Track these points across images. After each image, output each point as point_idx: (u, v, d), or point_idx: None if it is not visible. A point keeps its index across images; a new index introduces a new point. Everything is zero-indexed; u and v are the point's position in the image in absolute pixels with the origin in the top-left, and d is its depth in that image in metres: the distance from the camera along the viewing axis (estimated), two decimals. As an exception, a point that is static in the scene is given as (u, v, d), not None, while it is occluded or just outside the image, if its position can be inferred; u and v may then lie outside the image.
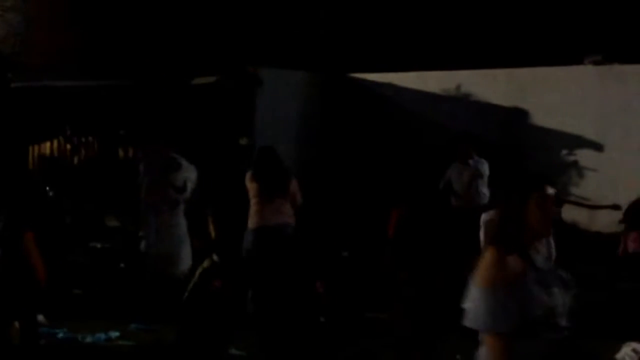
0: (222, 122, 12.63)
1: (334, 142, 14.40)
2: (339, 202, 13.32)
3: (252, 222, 9.06)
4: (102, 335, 8.88)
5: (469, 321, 3.82)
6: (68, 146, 13.12)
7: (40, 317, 8.56)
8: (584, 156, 13.74)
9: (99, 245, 11.09)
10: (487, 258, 3.83)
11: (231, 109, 12.77)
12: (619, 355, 7.62)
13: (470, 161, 11.17)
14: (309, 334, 7.68)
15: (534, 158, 13.11)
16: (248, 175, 9.27)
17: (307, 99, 14.43)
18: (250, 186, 9.20)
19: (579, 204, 13.43)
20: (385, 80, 14.83)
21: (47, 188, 10.87)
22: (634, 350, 7.55)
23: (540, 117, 14.03)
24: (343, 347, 8.23)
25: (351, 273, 10.58)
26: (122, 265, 10.73)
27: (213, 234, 8.52)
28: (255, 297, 8.48)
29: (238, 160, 11.97)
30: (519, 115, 14.14)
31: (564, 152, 13.82)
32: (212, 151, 12.14)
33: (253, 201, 9.12)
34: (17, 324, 7.52)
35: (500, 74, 14.36)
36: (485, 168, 11.15)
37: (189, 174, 10.02)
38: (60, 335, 8.84)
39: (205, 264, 8.06)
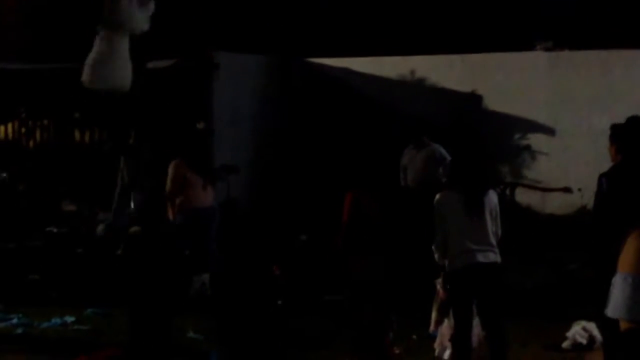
0: (179, 106, 12.61)
1: (290, 126, 14.45)
2: (297, 186, 13.40)
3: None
4: (58, 320, 8.86)
5: (610, 310, 3.69)
6: (23, 129, 13.01)
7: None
8: (536, 140, 13.97)
9: (55, 230, 11.03)
10: (633, 243, 3.68)
11: (188, 93, 12.75)
12: (569, 333, 7.80)
13: (424, 147, 11.29)
14: (266, 317, 7.76)
15: (488, 142, 13.28)
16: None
17: (264, 83, 14.46)
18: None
19: (532, 187, 13.67)
20: (342, 65, 14.91)
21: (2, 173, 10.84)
22: (584, 329, 7.73)
23: (494, 102, 14.23)
24: (301, 330, 8.31)
25: (309, 256, 10.69)
26: (78, 250, 10.69)
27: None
28: (213, 281, 8.54)
29: (195, 144, 11.96)
30: (472, 100, 14.33)
31: (517, 136, 14.05)
32: (168, 135, 12.11)
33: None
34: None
35: (455, 59, 14.52)
36: (439, 151, 11.26)
37: None
38: (15, 320, 8.80)
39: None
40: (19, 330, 8.63)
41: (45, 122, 13.02)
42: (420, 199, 10.62)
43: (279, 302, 8.85)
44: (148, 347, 7.62)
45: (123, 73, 7.84)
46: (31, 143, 12.98)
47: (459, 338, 6.66)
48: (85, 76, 7.61)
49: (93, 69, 7.51)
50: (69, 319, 8.86)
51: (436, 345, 7.27)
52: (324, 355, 7.95)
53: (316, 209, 12.21)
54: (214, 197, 9.59)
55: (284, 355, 7.76)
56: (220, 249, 9.14)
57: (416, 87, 14.53)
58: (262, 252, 9.18)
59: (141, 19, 8.74)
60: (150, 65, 12.57)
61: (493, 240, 6.56)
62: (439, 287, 6.87)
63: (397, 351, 7.54)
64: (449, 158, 11.24)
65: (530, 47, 14.31)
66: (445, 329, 6.99)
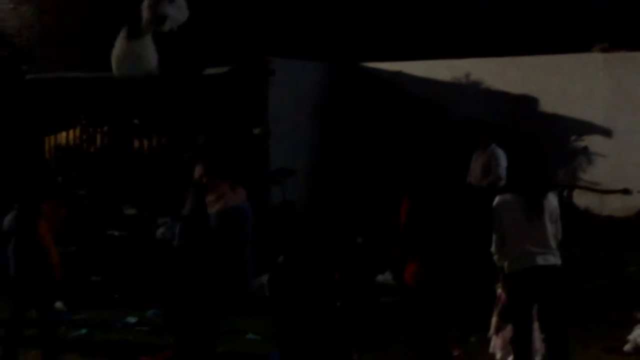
0: (235, 112, 12.75)
1: (346, 131, 14.52)
2: (352, 189, 13.46)
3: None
4: (120, 322, 9.04)
5: None
6: (84, 136, 13.26)
7: (59, 304, 8.74)
8: (593, 142, 13.86)
9: (116, 233, 11.24)
10: None
11: (244, 99, 12.89)
12: (631, 336, 7.75)
13: (488, 148, 11.45)
14: (325, 319, 7.81)
15: (544, 145, 13.21)
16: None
17: (319, 88, 14.56)
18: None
19: (590, 188, 13.56)
20: (396, 69, 14.93)
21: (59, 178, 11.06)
22: (646, 331, 7.68)
23: (549, 104, 14.14)
24: (358, 332, 8.37)
25: (365, 258, 10.75)
26: (139, 252, 10.87)
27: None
28: (271, 282, 8.60)
29: (252, 149, 12.14)
30: (528, 102, 14.26)
31: (573, 138, 13.95)
32: (225, 141, 12.27)
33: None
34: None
35: (509, 61, 14.46)
36: (500, 154, 11.37)
37: None
38: (79, 321, 9.00)
39: None
40: (83, 331, 8.84)
41: (105, 128, 13.25)
42: (480, 201, 10.69)
43: (338, 304, 8.91)
44: (194, 350, 7.76)
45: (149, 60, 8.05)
46: (92, 149, 13.22)
47: (519, 342, 6.66)
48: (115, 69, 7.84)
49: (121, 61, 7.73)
50: (131, 320, 9.04)
51: (491, 349, 7.28)
52: (381, 358, 8.01)
53: (371, 211, 12.27)
54: (243, 198, 9.62)
55: (343, 357, 7.82)
56: (278, 250, 9.22)
57: (471, 90, 14.50)
58: (321, 254, 9.23)
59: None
60: (207, 72, 12.76)
61: (553, 243, 6.55)
62: (499, 291, 6.88)
63: (456, 353, 7.57)
64: (504, 161, 11.37)
65: (586, 48, 14.21)
66: (507, 332, 6.98)
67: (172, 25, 8.59)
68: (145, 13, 10.58)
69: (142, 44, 7.96)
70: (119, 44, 7.92)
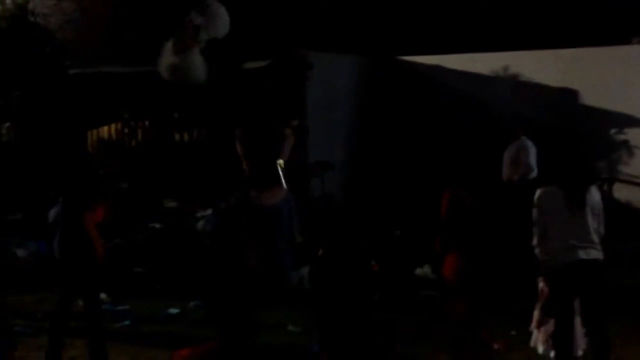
0: (274, 105, 12.83)
1: (384, 124, 14.55)
2: (391, 182, 13.50)
3: None
4: (163, 313, 9.16)
5: None
6: (125, 130, 13.43)
7: (103, 295, 8.89)
8: (633, 135, 13.78)
9: (158, 225, 11.38)
10: None
11: (282, 93, 12.96)
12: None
13: (517, 140, 11.58)
14: (366, 311, 7.88)
15: (584, 138, 13.16)
16: None
17: (357, 82, 14.60)
18: None
19: (632, 182, 13.47)
20: (433, 62, 14.93)
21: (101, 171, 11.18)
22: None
23: (589, 97, 14.07)
24: (397, 325, 8.41)
25: (404, 251, 10.79)
26: (180, 244, 11.01)
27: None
28: (312, 274, 8.68)
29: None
30: (567, 95, 14.19)
31: (613, 131, 13.87)
32: (263, 134, 12.34)
33: None
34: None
35: (549, 54, 14.39)
36: (529, 146, 11.49)
37: None
38: (123, 312, 9.12)
39: None
40: (127, 322, 8.97)
41: (146, 122, 13.41)
42: (518, 194, 10.73)
43: (376, 296, 8.97)
44: (236, 342, 7.82)
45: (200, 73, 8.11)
46: (133, 142, 13.38)
47: (560, 336, 6.66)
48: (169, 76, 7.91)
49: (171, 76, 7.81)
50: (173, 311, 9.15)
51: (533, 342, 7.28)
52: (421, 351, 8.04)
53: (410, 205, 12.31)
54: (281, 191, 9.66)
55: (384, 349, 7.87)
56: (318, 242, 9.29)
57: (509, 83, 14.46)
58: (361, 247, 9.29)
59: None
60: (246, 66, 12.86)
61: (595, 237, 6.54)
62: (541, 284, 6.88)
63: (496, 347, 7.58)
64: (533, 153, 11.48)
65: (625, 40, 14.12)
66: (549, 326, 6.98)
67: (210, 34, 8.63)
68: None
69: (190, 60, 8.00)
70: (167, 59, 7.97)
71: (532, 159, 11.68)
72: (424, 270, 10.51)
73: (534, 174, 11.62)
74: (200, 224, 11.06)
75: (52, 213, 8.07)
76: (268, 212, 9.35)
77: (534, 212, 6.72)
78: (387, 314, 8.70)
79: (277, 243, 9.53)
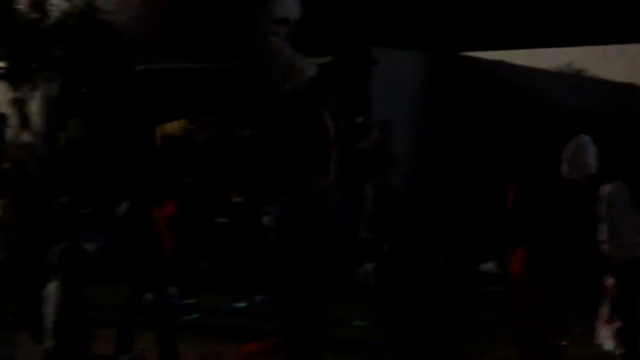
0: (338, 101, 12.89)
1: (447, 121, 14.51)
2: (455, 178, 13.46)
3: None
4: (229, 307, 9.28)
5: None
6: (191, 126, 13.58)
7: (172, 289, 9.04)
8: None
9: (224, 220, 11.52)
10: None
11: (346, 89, 13.02)
12: None
13: (575, 138, 11.54)
14: (432, 307, 7.91)
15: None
16: None
17: (420, 78, 14.56)
18: None
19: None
20: (497, 58, 14.84)
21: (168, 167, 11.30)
22: None
23: (655, 93, 13.92)
24: (463, 320, 8.42)
25: (469, 247, 10.79)
26: (246, 239, 11.14)
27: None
28: (378, 269, 8.72)
29: (354, 138, 12.27)
30: (632, 90, 14.03)
31: (680, 126, 13.67)
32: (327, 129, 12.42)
33: None
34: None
35: (613, 49, 14.24)
36: (587, 142, 11.44)
37: None
38: (191, 306, 9.26)
39: None
40: (194, 316, 9.12)
41: (212, 118, 13.54)
42: (578, 192, 10.67)
43: (442, 291, 8.97)
44: (304, 336, 7.89)
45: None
46: (199, 138, 13.53)
47: (627, 332, 6.63)
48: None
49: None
50: (240, 305, 9.26)
51: (599, 339, 7.25)
52: (486, 346, 8.05)
53: (474, 200, 12.28)
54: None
55: (450, 344, 7.89)
56: (383, 237, 9.35)
57: (574, 79, 14.34)
58: (425, 242, 9.31)
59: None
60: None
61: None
62: (609, 281, 6.85)
63: (563, 343, 7.55)
64: (591, 152, 11.41)
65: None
66: (617, 322, 6.95)
67: (283, 14, 8.83)
68: None
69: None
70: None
71: (590, 157, 11.60)
72: (488, 265, 10.49)
73: (593, 172, 11.55)
74: (266, 219, 11.19)
75: (121, 208, 8.24)
76: (324, 203, 9.46)
77: (602, 207, 6.70)
78: (453, 310, 8.73)
79: (336, 235, 9.64)
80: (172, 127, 13.57)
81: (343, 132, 12.31)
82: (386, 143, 11.84)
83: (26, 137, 13.33)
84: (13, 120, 13.92)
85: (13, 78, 14.00)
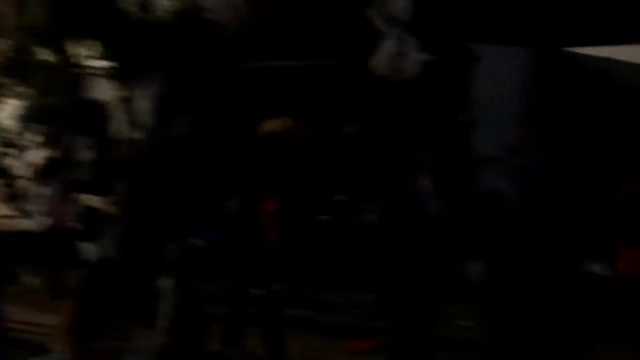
0: (440, 99, 12.84)
1: (552, 118, 14.27)
2: (560, 177, 13.24)
3: None
4: (337, 303, 9.33)
5: None
6: (291, 124, 13.66)
7: (279, 285, 9.15)
8: None
9: (327, 218, 11.58)
10: None
11: (448, 86, 12.95)
12: None
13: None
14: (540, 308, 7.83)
15: None
16: None
17: (523, 75, 14.35)
18: None
19: None
20: (604, 54, 14.50)
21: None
22: None
23: None
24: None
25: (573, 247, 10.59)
26: (351, 236, 11.18)
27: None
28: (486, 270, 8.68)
29: (457, 135, 12.21)
30: None
31: None
32: (430, 128, 12.40)
33: None
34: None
35: None
36: None
37: None
38: (297, 302, 9.34)
39: None
40: (301, 312, 9.20)
41: (314, 116, 13.60)
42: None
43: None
44: (412, 336, 7.87)
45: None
46: (302, 136, 13.59)
47: None
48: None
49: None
50: (346, 302, 9.31)
51: None
52: (598, 349, 7.90)
53: (580, 200, 12.05)
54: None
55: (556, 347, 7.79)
56: (489, 237, 9.27)
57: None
58: (530, 244, 9.19)
59: None
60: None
61: None
62: None
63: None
64: None
65: None
66: None
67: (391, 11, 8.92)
68: None
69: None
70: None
71: None
72: (594, 267, 10.28)
73: None
74: (368, 217, 11.21)
75: (228, 205, 8.39)
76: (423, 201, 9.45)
77: None
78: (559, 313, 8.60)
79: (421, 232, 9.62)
80: (276, 124, 13.67)
81: (443, 131, 12.29)
82: None
83: (134, 135, 13.63)
84: (122, 118, 14.29)
85: (120, 77, 14.33)
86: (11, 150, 15.03)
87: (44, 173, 11.28)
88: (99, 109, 15.04)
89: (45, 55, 14.63)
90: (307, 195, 12.24)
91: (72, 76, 14.59)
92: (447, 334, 8.43)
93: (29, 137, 14.95)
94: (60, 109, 14.52)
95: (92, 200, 12.10)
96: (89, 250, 10.18)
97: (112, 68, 14.37)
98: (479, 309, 8.45)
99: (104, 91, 14.72)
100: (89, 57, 14.63)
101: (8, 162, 14.92)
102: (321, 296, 9.83)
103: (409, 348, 7.79)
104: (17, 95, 15.06)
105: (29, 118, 14.97)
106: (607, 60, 14.41)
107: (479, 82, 13.25)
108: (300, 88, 13.52)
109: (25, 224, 11.57)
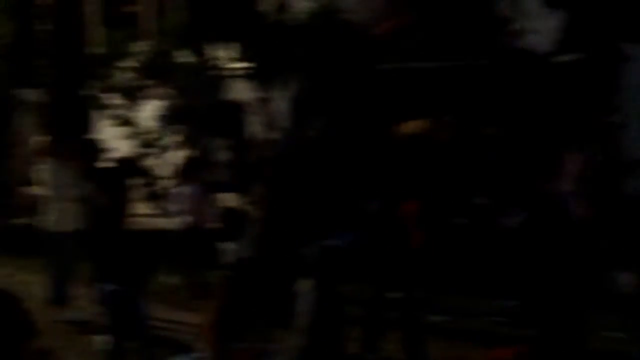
0: (587, 100, 12.38)
1: None
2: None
3: None
4: (480, 309, 9.09)
5: None
6: (436, 125, 13.46)
7: (419, 290, 8.96)
8: None
9: (465, 222, 11.34)
10: None
11: (596, 87, 12.48)
12: None
13: None
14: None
15: None
16: None
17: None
18: None
19: None
20: None
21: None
22: None
23: None
24: None
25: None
26: (492, 241, 10.90)
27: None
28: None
29: (603, 137, 11.75)
30: None
31: None
32: (577, 129, 11.98)
33: None
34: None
35: None
36: None
37: None
38: (438, 307, 9.13)
39: None
40: (441, 317, 8.98)
41: (453, 118, 13.37)
42: None
43: None
44: (558, 346, 7.56)
45: None
46: (442, 139, 13.37)
47: None
48: None
49: None
50: (490, 309, 9.06)
51: None
52: None
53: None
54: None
55: None
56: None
57: None
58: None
59: None
60: (557, 59, 12.50)
61: None
62: None
63: None
64: None
65: None
66: None
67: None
68: None
69: None
70: None
71: None
72: None
73: None
74: (510, 221, 10.86)
75: (370, 206, 8.27)
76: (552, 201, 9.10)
77: None
78: None
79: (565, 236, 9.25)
80: (414, 126, 13.49)
81: (592, 133, 11.84)
82: None
83: (272, 135, 13.70)
84: (260, 119, 14.40)
85: (258, 78, 14.43)
86: (152, 151, 15.34)
87: (184, 173, 11.41)
88: (237, 110, 15.20)
89: (185, 57, 14.87)
90: (444, 197, 12.00)
91: (211, 78, 14.79)
92: (595, 346, 8.04)
93: (169, 138, 15.23)
94: (199, 110, 14.75)
95: (231, 201, 12.19)
96: (228, 250, 10.23)
97: (250, 69, 14.49)
98: (630, 321, 8.08)
99: (242, 92, 14.85)
100: (228, 58, 14.79)
101: (149, 162, 15.22)
102: (460, 302, 9.57)
103: (554, 358, 7.48)
104: (158, 97, 15.37)
105: (168, 119, 15.26)
106: None
107: (628, 82, 12.72)
108: (440, 89, 13.30)
109: (165, 223, 11.73)
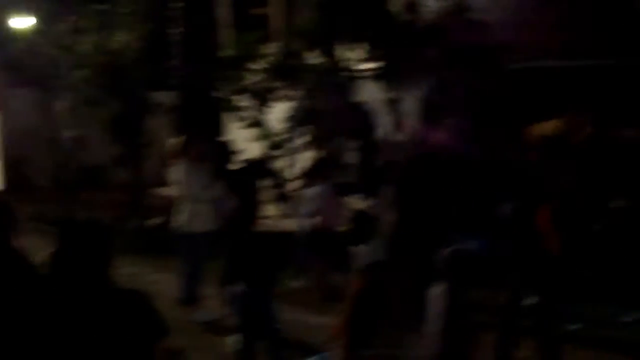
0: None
1: None
2: None
3: None
4: (617, 318, 8.75)
5: None
6: (570, 126, 13.08)
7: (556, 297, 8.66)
8: None
9: (599, 227, 10.92)
10: None
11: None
12: None
13: None
14: None
15: None
16: None
17: None
18: None
19: None
20: None
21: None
22: None
23: None
24: None
25: None
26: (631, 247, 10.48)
27: None
28: None
29: None
30: None
31: None
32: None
33: None
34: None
35: None
36: None
37: None
38: (575, 314, 8.83)
39: None
40: (578, 325, 8.68)
41: (587, 117, 12.95)
42: None
43: None
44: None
45: None
46: (576, 139, 12.98)
47: None
48: None
49: None
50: (628, 318, 8.71)
51: None
52: None
53: None
54: None
55: None
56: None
57: None
58: None
59: None
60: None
61: None
62: None
63: None
64: None
65: None
66: None
67: None
68: None
69: None
70: None
71: None
72: None
73: None
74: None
75: (502, 210, 8.05)
76: None
77: None
78: None
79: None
80: (548, 127, 13.13)
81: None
82: None
83: (400, 137, 13.58)
84: (388, 120, 14.29)
85: (388, 79, 14.32)
86: (280, 152, 15.41)
87: (312, 174, 11.39)
88: (366, 112, 15.12)
89: (314, 58, 14.88)
90: (582, 201, 11.59)
91: (340, 79, 14.75)
92: None
93: (298, 139, 15.27)
94: (328, 112, 14.72)
95: (360, 203, 12.10)
96: (359, 253, 10.14)
97: (379, 70, 14.39)
98: None
99: (371, 93, 14.76)
100: (357, 59, 14.73)
101: (278, 163, 15.31)
102: (598, 310, 9.21)
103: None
104: (286, 98, 15.44)
105: (297, 120, 15.30)
106: None
107: None
108: (577, 89, 12.90)
109: (293, 224, 11.74)
